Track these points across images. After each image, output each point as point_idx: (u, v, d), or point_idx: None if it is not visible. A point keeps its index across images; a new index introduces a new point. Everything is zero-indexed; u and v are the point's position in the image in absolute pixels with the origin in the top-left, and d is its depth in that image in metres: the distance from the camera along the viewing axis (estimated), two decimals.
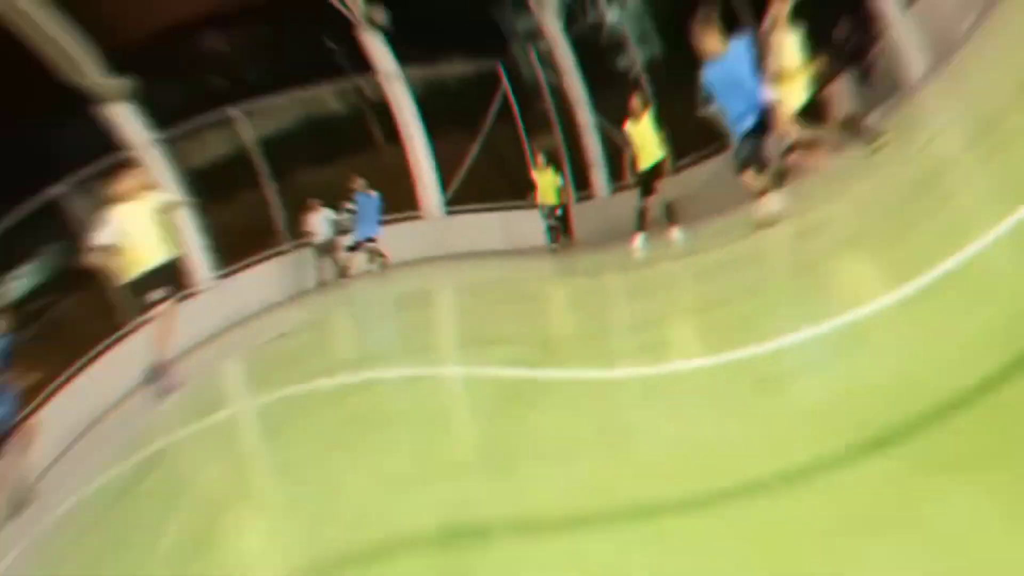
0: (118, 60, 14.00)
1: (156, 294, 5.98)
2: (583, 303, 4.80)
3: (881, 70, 12.17)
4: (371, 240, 13.19)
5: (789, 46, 6.26)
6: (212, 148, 22.03)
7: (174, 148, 14.80)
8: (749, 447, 1.29)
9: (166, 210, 6.18)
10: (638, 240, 8.21)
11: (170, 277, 6.05)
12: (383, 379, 2.89)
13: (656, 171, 8.86)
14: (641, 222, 8.50)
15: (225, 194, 16.82)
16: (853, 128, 5.96)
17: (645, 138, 8.90)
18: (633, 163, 8.96)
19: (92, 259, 5.98)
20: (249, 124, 17.17)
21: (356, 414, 2.46)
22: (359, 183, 13.22)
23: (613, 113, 13.60)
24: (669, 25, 22.11)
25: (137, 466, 3.24)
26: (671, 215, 8.49)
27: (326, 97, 22.88)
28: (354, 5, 17.42)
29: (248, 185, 16.55)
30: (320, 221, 16.54)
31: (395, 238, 16.51)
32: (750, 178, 5.73)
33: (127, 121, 13.28)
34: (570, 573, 0.93)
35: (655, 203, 8.65)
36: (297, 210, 16.81)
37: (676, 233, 8.05)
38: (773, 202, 5.40)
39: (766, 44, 6.23)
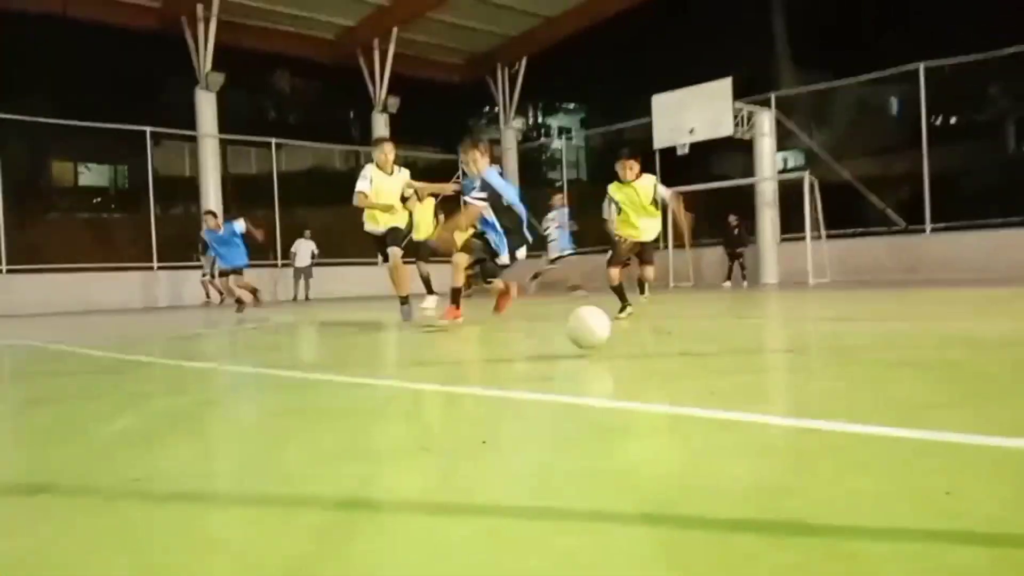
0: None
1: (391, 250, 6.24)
2: (490, 340, 4.78)
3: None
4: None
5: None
6: (252, 162, 21.37)
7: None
8: (580, 479, 1.29)
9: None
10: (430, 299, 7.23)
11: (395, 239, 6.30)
12: (334, 381, 2.82)
13: (420, 246, 8.35)
14: (427, 286, 7.65)
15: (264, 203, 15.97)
16: (641, 282, 6.21)
17: (422, 219, 8.70)
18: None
19: (355, 199, 6.16)
20: (277, 155, 16.86)
21: (307, 402, 2.38)
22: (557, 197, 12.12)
23: (535, 205, 14.63)
24: (593, 159, 23.16)
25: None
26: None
27: (334, 154, 22.64)
28: (379, 91, 17.63)
29: (264, 204, 16.02)
30: (303, 248, 15.93)
31: (354, 277, 16.30)
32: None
33: None
34: (424, 550, 0.92)
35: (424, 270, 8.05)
36: (289, 234, 16.29)
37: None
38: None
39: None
